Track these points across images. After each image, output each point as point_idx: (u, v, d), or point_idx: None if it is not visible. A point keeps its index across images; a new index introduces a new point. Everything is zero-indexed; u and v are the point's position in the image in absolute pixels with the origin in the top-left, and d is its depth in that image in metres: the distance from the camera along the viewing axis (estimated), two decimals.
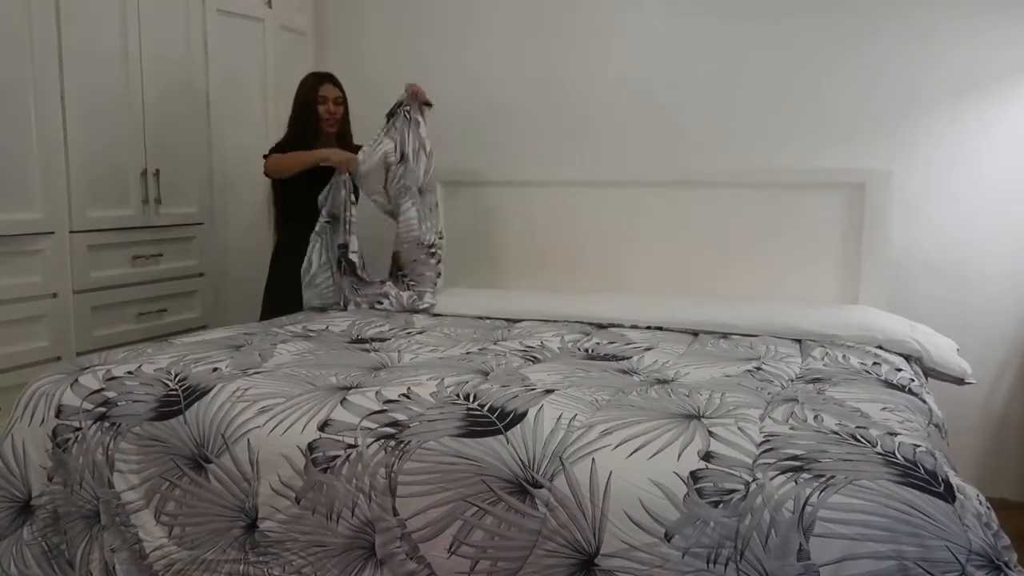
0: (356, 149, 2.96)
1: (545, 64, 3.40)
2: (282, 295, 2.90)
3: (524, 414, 1.52)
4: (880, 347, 2.31)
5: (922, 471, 1.29)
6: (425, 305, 2.80)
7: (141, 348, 2.06)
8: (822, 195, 2.96)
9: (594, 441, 1.41)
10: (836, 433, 1.44)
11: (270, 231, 3.37)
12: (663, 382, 1.83)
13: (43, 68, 2.51)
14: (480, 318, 2.66)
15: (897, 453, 1.35)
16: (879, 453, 1.35)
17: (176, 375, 1.80)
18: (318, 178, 2.86)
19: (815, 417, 1.54)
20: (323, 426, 1.56)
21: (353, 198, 2.89)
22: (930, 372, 2.37)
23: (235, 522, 1.58)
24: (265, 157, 2.93)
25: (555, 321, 2.60)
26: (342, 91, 3.01)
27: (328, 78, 3.01)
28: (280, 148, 2.93)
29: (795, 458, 1.34)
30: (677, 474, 1.32)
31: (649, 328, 2.54)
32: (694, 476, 1.31)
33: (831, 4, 3.00)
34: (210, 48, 3.13)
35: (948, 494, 1.24)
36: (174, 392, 1.73)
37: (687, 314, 2.59)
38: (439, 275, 2.96)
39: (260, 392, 1.69)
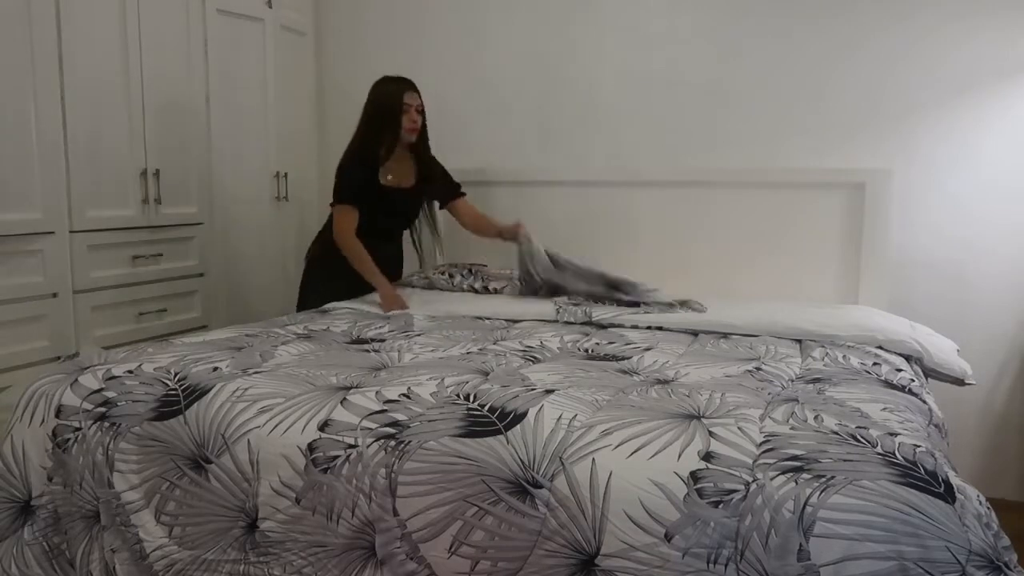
0: (431, 161, 2.98)
1: (545, 64, 3.40)
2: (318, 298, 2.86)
3: (524, 414, 1.52)
4: (880, 347, 2.31)
5: (922, 471, 1.29)
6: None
7: (141, 348, 2.06)
8: (822, 195, 2.96)
9: (594, 441, 1.41)
10: (836, 433, 1.44)
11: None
12: (663, 382, 1.83)
13: (43, 68, 2.51)
14: (479, 318, 2.66)
15: (897, 453, 1.35)
16: (879, 453, 1.35)
17: (176, 374, 1.80)
18: (384, 206, 2.85)
19: (815, 417, 1.54)
20: (323, 426, 1.56)
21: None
22: (930, 373, 2.37)
23: (235, 522, 1.58)
24: (337, 192, 2.82)
25: (555, 321, 2.60)
26: (421, 99, 2.89)
27: (411, 85, 2.87)
28: (353, 158, 2.82)
29: (795, 458, 1.34)
30: (677, 474, 1.32)
31: (649, 328, 2.53)
32: (694, 476, 1.31)
33: (831, 4, 3.00)
34: (210, 48, 3.13)
35: (948, 494, 1.24)
36: (174, 392, 1.73)
37: (687, 314, 2.59)
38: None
39: (260, 392, 1.69)
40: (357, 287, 2.86)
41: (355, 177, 2.82)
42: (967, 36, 2.87)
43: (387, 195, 2.88)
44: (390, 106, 2.81)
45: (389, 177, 2.89)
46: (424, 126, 2.93)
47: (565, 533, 1.33)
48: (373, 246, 2.87)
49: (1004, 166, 2.88)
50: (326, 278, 2.95)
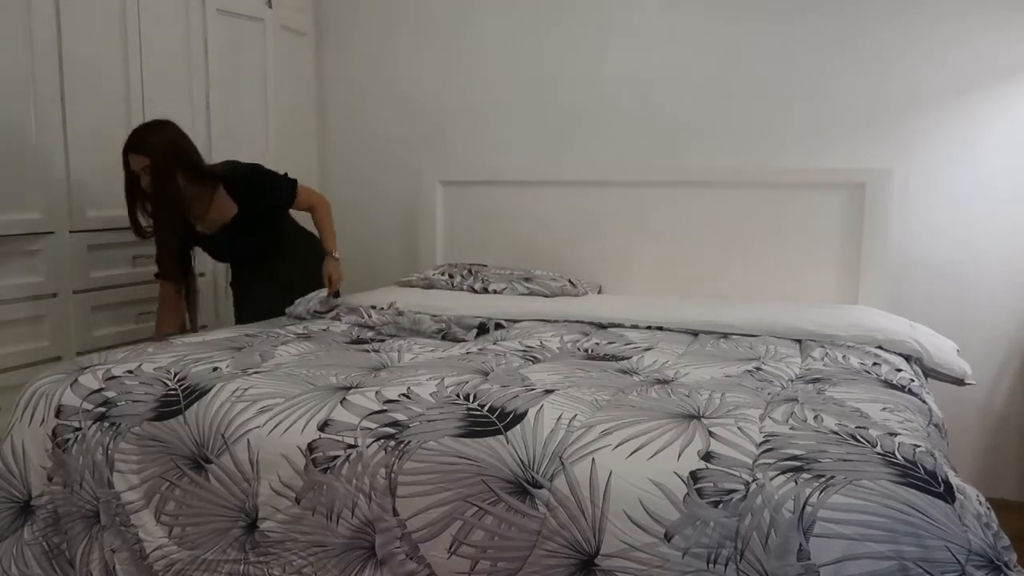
0: (236, 183, 2.57)
1: (544, 64, 3.40)
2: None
3: (524, 414, 1.52)
4: (880, 347, 2.31)
5: (922, 471, 1.29)
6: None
7: (141, 348, 2.06)
8: (822, 195, 2.96)
9: (594, 441, 1.41)
10: (836, 433, 1.44)
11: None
12: (663, 382, 1.83)
13: (43, 68, 2.51)
14: (479, 318, 2.66)
15: (897, 453, 1.35)
16: (879, 453, 1.35)
17: (176, 374, 1.80)
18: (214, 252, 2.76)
19: (815, 417, 1.54)
20: (323, 426, 1.56)
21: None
22: (930, 373, 2.37)
23: (235, 522, 1.58)
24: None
25: (555, 321, 2.60)
26: (149, 149, 2.36)
27: (131, 144, 2.39)
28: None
29: (795, 458, 1.34)
30: (677, 474, 1.32)
31: (649, 328, 2.54)
32: (694, 476, 1.31)
33: (831, 4, 3.00)
34: (210, 48, 3.13)
35: (948, 494, 1.24)
36: (173, 392, 1.73)
37: (687, 314, 2.59)
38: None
39: (260, 392, 1.69)
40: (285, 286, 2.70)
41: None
42: (967, 35, 2.87)
43: (208, 243, 2.68)
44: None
45: (198, 228, 2.61)
46: (158, 183, 2.39)
47: (565, 533, 1.33)
48: (249, 278, 2.80)
49: (1004, 166, 2.88)
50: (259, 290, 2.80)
